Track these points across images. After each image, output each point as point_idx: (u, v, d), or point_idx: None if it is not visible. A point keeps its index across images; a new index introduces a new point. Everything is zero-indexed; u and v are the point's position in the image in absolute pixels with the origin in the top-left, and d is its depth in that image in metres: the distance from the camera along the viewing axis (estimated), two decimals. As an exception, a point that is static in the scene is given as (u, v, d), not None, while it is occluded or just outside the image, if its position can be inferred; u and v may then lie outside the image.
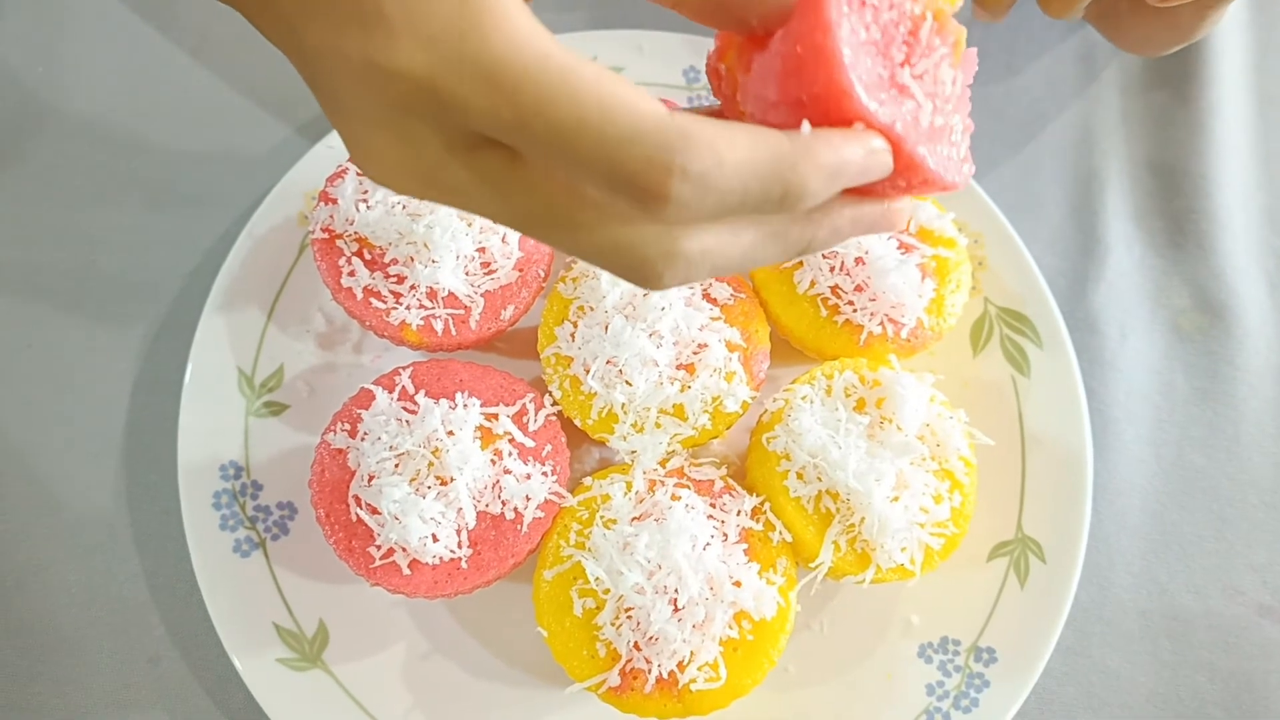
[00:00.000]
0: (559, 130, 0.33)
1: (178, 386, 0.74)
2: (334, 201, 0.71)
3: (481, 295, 0.71)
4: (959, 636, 0.71)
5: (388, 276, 0.70)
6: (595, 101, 0.33)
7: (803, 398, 0.68)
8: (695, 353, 0.69)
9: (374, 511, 0.64)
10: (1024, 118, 0.90)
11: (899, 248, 0.73)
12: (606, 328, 0.68)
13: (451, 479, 0.63)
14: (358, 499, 0.65)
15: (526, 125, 0.34)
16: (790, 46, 0.37)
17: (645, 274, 0.38)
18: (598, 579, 0.62)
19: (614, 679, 0.62)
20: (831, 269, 0.71)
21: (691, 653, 0.61)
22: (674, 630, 0.61)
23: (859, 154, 0.37)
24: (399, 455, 0.64)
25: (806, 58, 0.37)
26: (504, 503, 0.65)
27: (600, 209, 0.36)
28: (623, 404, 0.67)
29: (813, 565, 0.66)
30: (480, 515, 0.65)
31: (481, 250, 0.71)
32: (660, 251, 0.37)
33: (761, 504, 0.67)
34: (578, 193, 0.36)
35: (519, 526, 0.65)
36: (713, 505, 0.66)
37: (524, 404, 0.68)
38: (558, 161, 0.35)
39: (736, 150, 0.34)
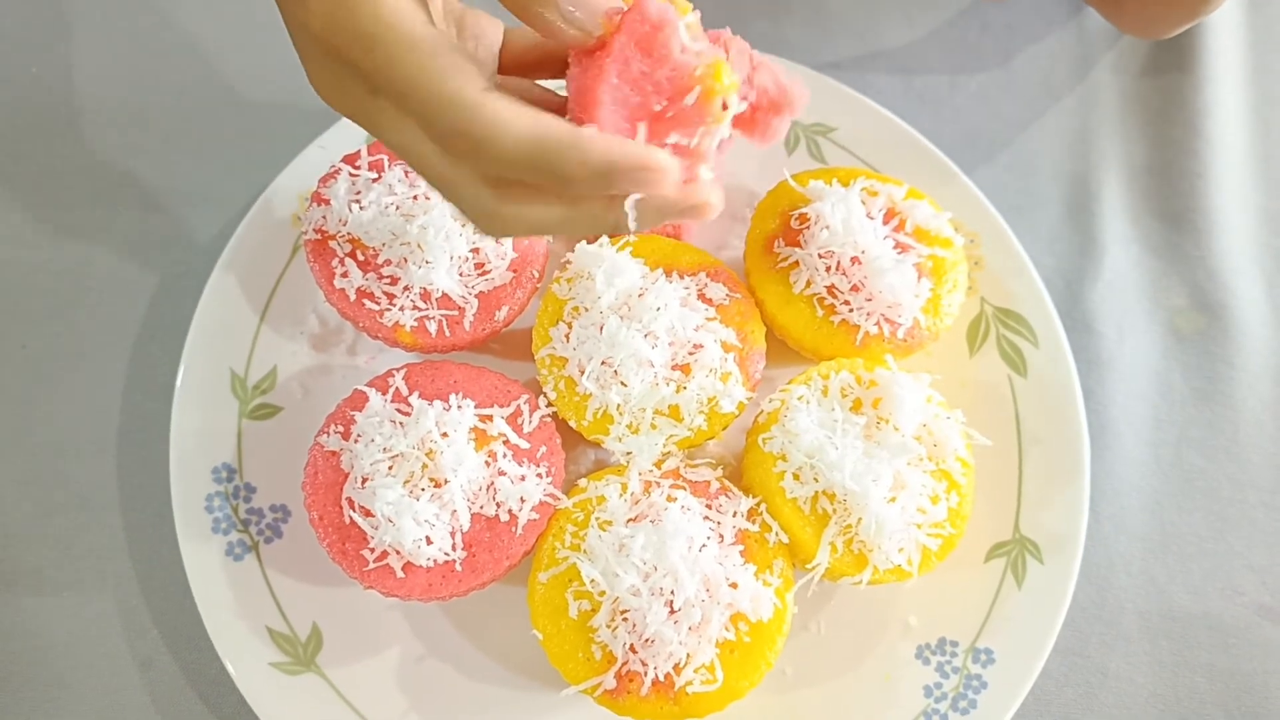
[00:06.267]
0: (398, 88, 0.44)
1: (170, 388, 0.73)
2: (327, 202, 0.71)
3: (475, 296, 0.71)
4: (957, 638, 0.70)
5: (381, 278, 0.70)
6: (419, 70, 0.44)
7: (799, 398, 0.68)
8: (691, 353, 0.68)
9: (367, 514, 0.63)
10: (1020, 116, 0.90)
11: (895, 247, 0.72)
12: (601, 328, 0.68)
13: (445, 481, 0.63)
14: (351, 501, 0.64)
15: (380, 79, 0.45)
16: (574, 91, 0.49)
17: (474, 222, 0.49)
18: (593, 581, 0.62)
19: (610, 682, 0.61)
20: (828, 268, 0.71)
21: (688, 655, 0.61)
22: (670, 632, 0.60)
23: (630, 157, 0.44)
24: (393, 457, 0.64)
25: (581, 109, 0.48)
26: (498, 505, 0.65)
27: (427, 155, 0.46)
28: (618, 405, 0.67)
29: (809, 566, 0.65)
30: (474, 517, 0.65)
31: (475, 251, 0.71)
32: (483, 210, 0.47)
33: (758, 505, 0.67)
34: (418, 135, 0.46)
35: (513, 528, 0.65)
36: (709, 506, 0.66)
37: (518, 405, 0.68)
38: (402, 110, 0.46)
39: (515, 129, 0.44)
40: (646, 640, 0.61)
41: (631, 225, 0.49)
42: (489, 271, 0.71)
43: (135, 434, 0.77)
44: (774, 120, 0.53)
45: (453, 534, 0.64)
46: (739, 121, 0.53)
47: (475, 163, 0.45)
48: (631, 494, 0.66)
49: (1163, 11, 0.73)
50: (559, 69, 0.53)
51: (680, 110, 0.47)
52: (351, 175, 0.72)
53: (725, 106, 0.47)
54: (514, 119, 0.44)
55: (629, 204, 0.48)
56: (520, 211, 0.47)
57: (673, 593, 0.61)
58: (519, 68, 0.55)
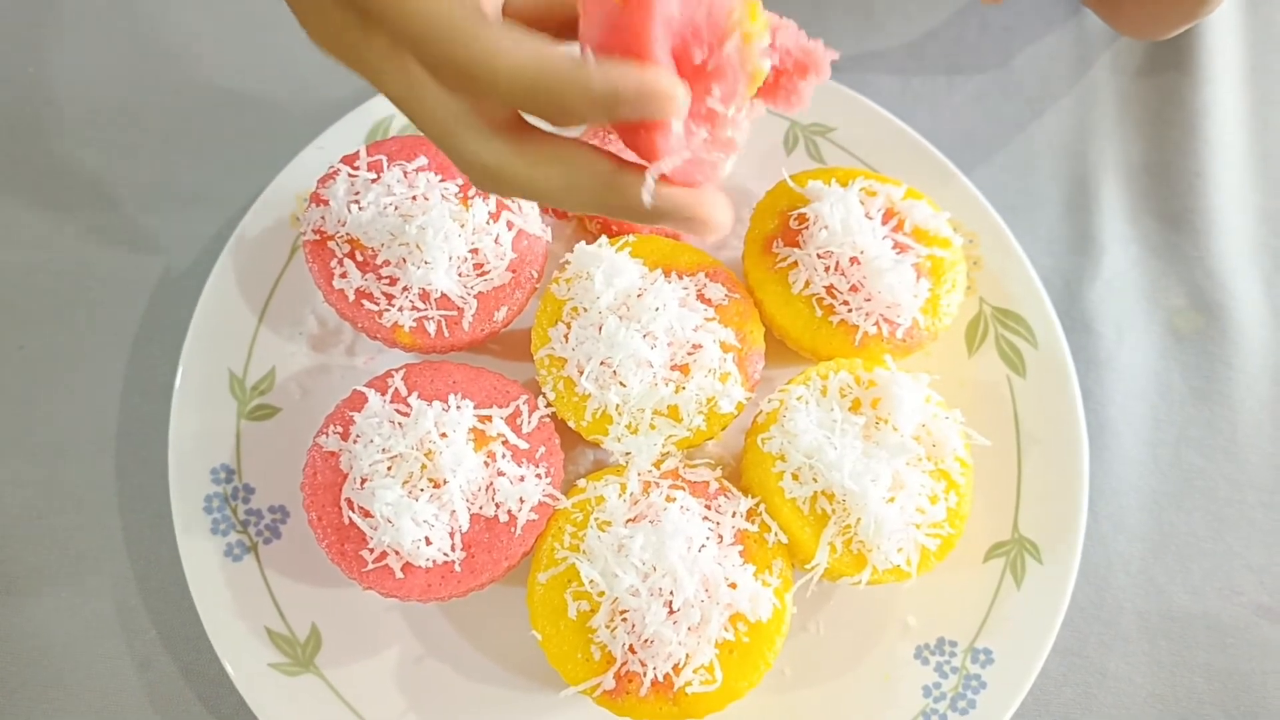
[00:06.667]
0: (394, 15, 0.43)
1: (169, 389, 0.73)
2: (325, 203, 0.71)
3: (474, 296, 0.71)
4: (955, 638, 0.70)
5: (380, 278, 0.70)
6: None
7: (798, 398, 0.68)
8: (690, 353, 0.68)
9: (366, 515, 0.63)
10: (1018, 117, 0.90)
11: (894, 247, 0.72)
12: (600, 329, 0.68)
13: (444, 481, 0.63)
14: (350, 502, 0.64)
15: (376, 7, 0.43)
16: (611, 38, 0.43)
17: (470, 175, 0.47)
18: (592, 581, 0.62)
19: (609, 682, 0.61)
20: (827, 269, 0.71)
21: (687, 655, 0.61)
22: (669, 633, 0.60)
23: (633, 81, 0.42)
24: (391, 458, 0.64)
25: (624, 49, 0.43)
26: (497, 505, 0.65)
27: (425, 98, 0.45)
28: (617, 405, 0.67)
29: (808, 567, 0.65)
30: (474, 518, 0.65)
31: (474, 251, 0.71)
32: (480, 160, 0.46)
33: (757, 505, 0.67)
34: (415, 75, 0.45)
35: (513, 529, 0.65)
36: (708, 507, 0.66)
37: (517, 405, 0.68)
38: (400, 40, 0.44)
39: (515, 55, 0.42)
40: (645, 641, 0.61)
41: (646, 198, 0.46)
42: (488, 272, 0.71)
43: (134, 435, 0.77)
44: (800, 83, 0.50)
45: (451, 534, 0.64)
46: (763, 89, 0.50)
47: (473, 93, 0.44)
48: (630, 494, 0.66)
49: (1160, 13, 0.73)
50: (559, 28, 0.51)
51: (720, 61, 0.45)
52: (350, 176, 0.72)
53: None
54: (514, 46, 0.42)
55: (649, 174, 0.46)
56: (519, 166, 0.46)
57: (672, 593, 0.61)
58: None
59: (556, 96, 0.42)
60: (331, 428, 0.67)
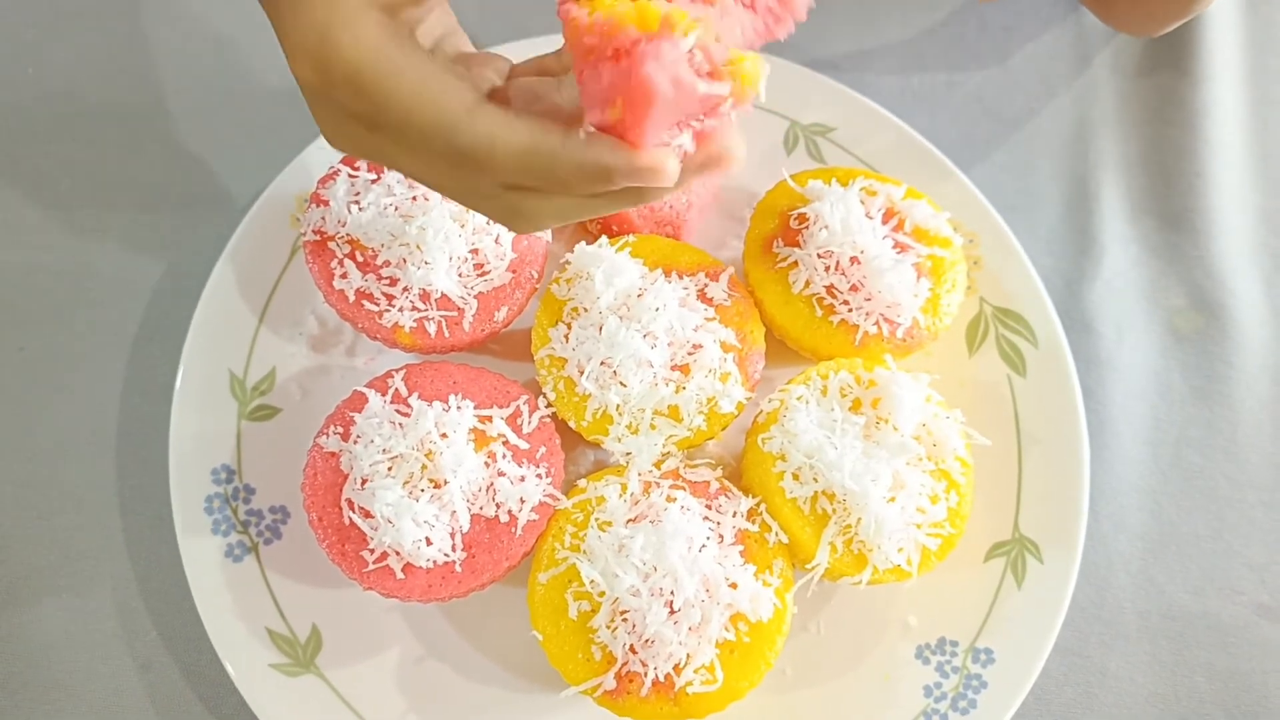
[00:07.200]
0: (393, 124, 0.46)
1: (169, 390, 0.73)
2: (325, 203, 0.71)
3: (475, 297, 0.71)
4: (956, 637, 0.70)
5: (380, 278, 0.70)
6: (413, 99, 0.45)
7: (798, 398, 0.68)
8: (690, 353, 0.68)
9: (367, 515, 0.63)
10: (1018, 116, 0.90)
11: (894, 247, 0.72)
12: (601, 329, 0.68)
13: (445, 482, 0.63)
14: (350, 502, 0.64)
15: (377, 117, 0.46)
16: (605, 118, 0.44)
17: (503, 224, 0.51)
18: (593, 581, 0.62)
19: (610, 682, 0.61)
20: (827, 269, 0.71)
21: (688, 655, 0.61)
22: (670, 633, 0.60)
23: (624, 161, 0.44)
24: (392, 458, 0.64)
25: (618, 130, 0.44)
26: (498, 505, 0.65)
27: (440, 176, 0.48)
28: (617, 405, 0.67)
29: (809, 566, 0.65)
30: (474, 518, 0.65)
31: (474, 251, 0.71)
32: (507, 211, 0.49)
33: (757, 505, 0.67)
34: (426, 160, 0.47)
35: (513, 529, 0.65)
36: (708, 507, 0.66)
37: (518, 406, 0.68)
38: (404, 142, 0.46)
39: (508, 139, 0.45)
40: (646, 641, 0.61)
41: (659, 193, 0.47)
42: (488, 272, 0.71)
43: (134, 435, 0.77)
44: (794, 4, 0.49)
45: (452, 535, 0.64)
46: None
47: (482, 176, 0.47)
48: (631, 494, 0.66)
49: (1154, 9, 0.73)
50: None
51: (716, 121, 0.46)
52: (350, 176, 0.72)
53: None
54: (506, 131, 0.45)
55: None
56: (543, 204, 0.48)
57: (672, 593, 0.61)
58: None
59: (548, 173, 0.45)
60: (332, 428, 0.67)
